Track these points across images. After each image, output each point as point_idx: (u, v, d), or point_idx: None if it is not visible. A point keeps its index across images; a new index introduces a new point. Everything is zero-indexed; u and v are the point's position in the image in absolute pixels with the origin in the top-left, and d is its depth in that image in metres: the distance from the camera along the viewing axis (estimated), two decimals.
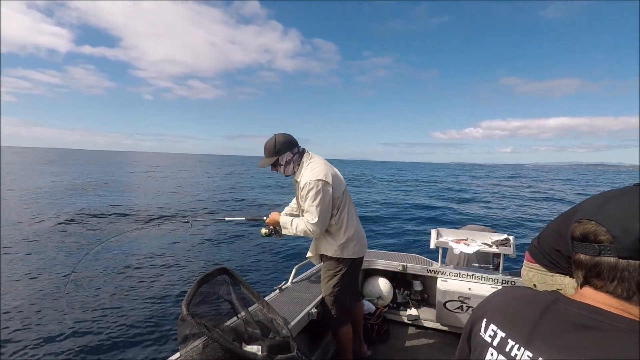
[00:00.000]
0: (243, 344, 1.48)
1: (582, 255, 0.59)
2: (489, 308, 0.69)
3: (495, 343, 0.62)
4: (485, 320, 0.67)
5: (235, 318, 1.65)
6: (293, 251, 7.39)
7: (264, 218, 2.35)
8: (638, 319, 0.54)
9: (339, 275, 2.14)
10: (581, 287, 0.62)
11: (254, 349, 1.45)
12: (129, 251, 7.10)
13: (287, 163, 2.11)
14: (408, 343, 2.77)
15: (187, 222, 2.85)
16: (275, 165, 2.13)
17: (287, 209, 2.48)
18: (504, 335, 0.62)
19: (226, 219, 2.90)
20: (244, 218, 2.63)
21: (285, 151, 2.09)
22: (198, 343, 1.34)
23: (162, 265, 6.30)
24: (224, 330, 1.46)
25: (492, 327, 0.65)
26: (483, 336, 0.66)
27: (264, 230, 2.37)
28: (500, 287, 0.76)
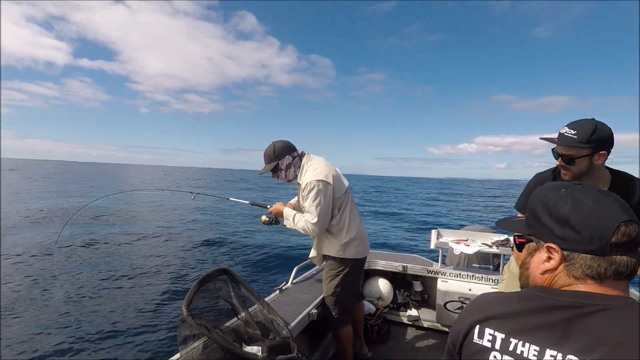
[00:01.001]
0: (243, 344, 1.48)
1: (622, 257, 0.60)
2: (478, 314, 0.69)
3: (497, 346, 0.62)
4: (478, 326, 0.67)
5: (235, 319, 1.65)
6: (293, 252, 7.39)
7: (268, 206, 2.41)
8: (621, 295, 0.60)
9: (341, 275, 2.15)
10: (577, 279, 0.63)
11: (254, 349, 1.45)
12: (127, 249, 7.10)
13: (288, 167, 2.12)
14: (408, 344, 2.77)
15: (191, 193, 2.94)
16: (275, 171, 2.14)
17: (293, 201, 2.50)
18: (503, 336, 0.62)
19: (230, 199, 2.96)
20: (248, 202, 2.71)
21: (284, 155, 2.11)
22: (198, 344, 1.34)
23: (162, 265, 6.30)
24: (224, 331, 1.46)
25: (489, 331, 0.64)
26: (480, 342, 0.65)
27: (264, 218, 2.42)
28: (480, 294, 0.76)
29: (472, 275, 2.69)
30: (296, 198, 2.48)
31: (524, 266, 0.73)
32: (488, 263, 3.16)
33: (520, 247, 0.75)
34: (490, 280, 2.64)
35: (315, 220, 1.99)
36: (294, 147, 2.17)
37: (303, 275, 2.79)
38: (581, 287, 0.62)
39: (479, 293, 2.56)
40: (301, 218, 2.07)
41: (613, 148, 1.48)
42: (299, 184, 2.14)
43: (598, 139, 1.43)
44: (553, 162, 1.60)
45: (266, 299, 2.27)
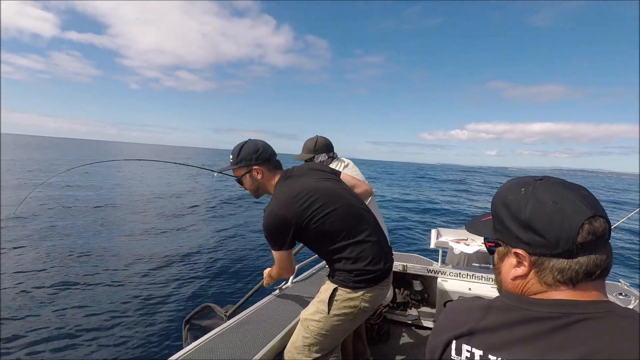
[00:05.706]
0: None
1: (593, 256, 0.57)
2: (453, 328, 0.65)
3: None
4: (455, 342, 0.63)
5: None
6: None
7: None
8: (598, 300, 0.57)
9: None
10: (550, 286, 0.60)
11: None
12: (125, 248, 7.10)
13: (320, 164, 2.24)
14: (408, 343, 2.77)
15: (212, 170, 2.87)
16: (307, 162, 2.33)
17: None
18: (481, 352, 0.59)
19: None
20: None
21: (322, 152, 2.32)
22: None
23: (162, 266, 6.30)
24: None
25: (466, 347, 0.61)
26: (458, 359, 0.62)
27: None
28: (450, 303, 0.72)
29: (472, 275, 2.69)
30: None
31: (496, 271, 0.70)
32: (488, 262, 3.15)
33: (490, 250, 0.72)
34: (490, 279, 2.64)
35: None
36: (332, 147, 2.39)
37: (303, 275, 2.78)
38: (555, 295, 0.59)
39: (479, 292, 2.56)
40: None
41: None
42: None
43: (243, 157, 1.51)
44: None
45: (265, 299, 2.28)
